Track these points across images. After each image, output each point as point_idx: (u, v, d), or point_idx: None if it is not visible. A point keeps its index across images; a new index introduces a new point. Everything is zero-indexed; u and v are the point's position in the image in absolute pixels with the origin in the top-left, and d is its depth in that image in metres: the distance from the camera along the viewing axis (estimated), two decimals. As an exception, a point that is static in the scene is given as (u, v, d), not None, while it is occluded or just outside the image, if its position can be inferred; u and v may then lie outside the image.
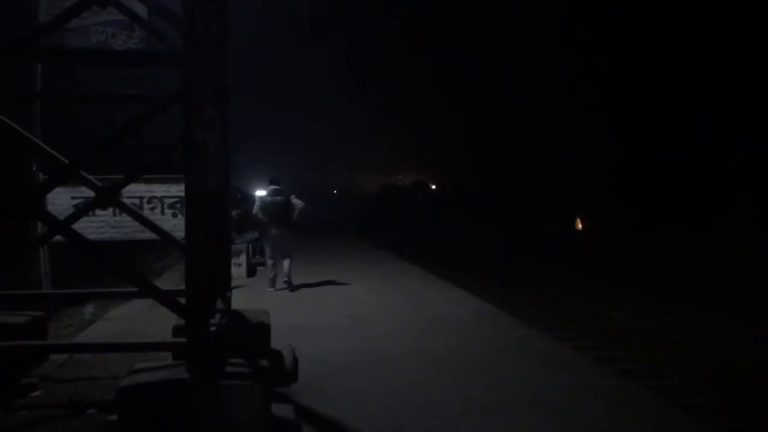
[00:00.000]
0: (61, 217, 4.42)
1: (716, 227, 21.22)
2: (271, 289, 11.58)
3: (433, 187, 75.74)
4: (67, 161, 4.18)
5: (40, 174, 5.97)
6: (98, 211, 5.98)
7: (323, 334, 7.82)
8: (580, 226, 31.99)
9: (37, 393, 5.25)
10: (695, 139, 25.77)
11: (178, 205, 6.51)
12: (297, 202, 11.74)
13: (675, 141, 26.92)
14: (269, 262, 12.00)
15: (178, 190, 6.45)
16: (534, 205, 36.85)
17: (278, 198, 11.66)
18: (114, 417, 4.06)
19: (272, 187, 11.83)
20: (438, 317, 8.95)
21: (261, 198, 12.05)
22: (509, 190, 43.35)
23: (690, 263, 17.26)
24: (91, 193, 4.37)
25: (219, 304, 4.75)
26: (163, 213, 6.56)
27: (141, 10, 4.83)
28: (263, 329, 5.10)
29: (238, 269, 11.93)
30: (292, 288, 11.58)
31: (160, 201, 6.56)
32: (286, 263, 11.69)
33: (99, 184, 4.37)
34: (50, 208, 5.82)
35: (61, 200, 6.08)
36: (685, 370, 7.94)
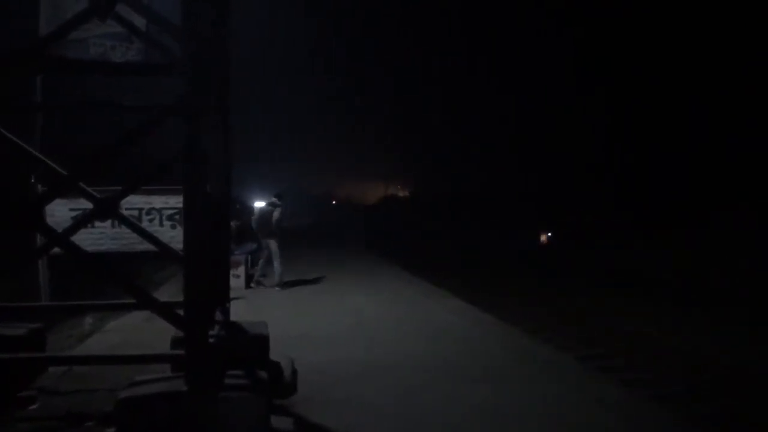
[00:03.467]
0: (60, 229, 4.42)
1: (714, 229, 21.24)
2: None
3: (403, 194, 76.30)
4: (65, 173, 4.19)
5: (39, 185, 5.97)
6: (97, 223, 5.99)
7: (322, 344, 7.80)
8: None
9: (35, 405, 5.22)
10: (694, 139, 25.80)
11: (177, 217, 6.51)
12: (276, 215, 13.27)
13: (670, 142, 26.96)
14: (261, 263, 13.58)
15: (176, 201, 6.46)
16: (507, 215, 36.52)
17: (267, 208, 13.48)
18: (113, 430, 4.04)
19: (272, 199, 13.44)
20: (438, 327, 8.93)
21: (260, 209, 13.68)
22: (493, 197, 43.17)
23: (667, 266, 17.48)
24: (89, 205, 4.37)
25: (218, 316, 4.74)
26: (161, 224, 6.56)
27: (140, 22, 4.86)
28: (262, 341, 5.09)
29: (236, 281, 11.93)
30: (256, 284, 13.38)
31: (158, 212, 6.56)
32: (260, 263, 13.55)
33: (98, 195, 4.37)
34: (49, 219, 5.83)
35: (59, 212, 6.08)
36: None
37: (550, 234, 31.24)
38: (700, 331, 10.38)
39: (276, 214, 13.22)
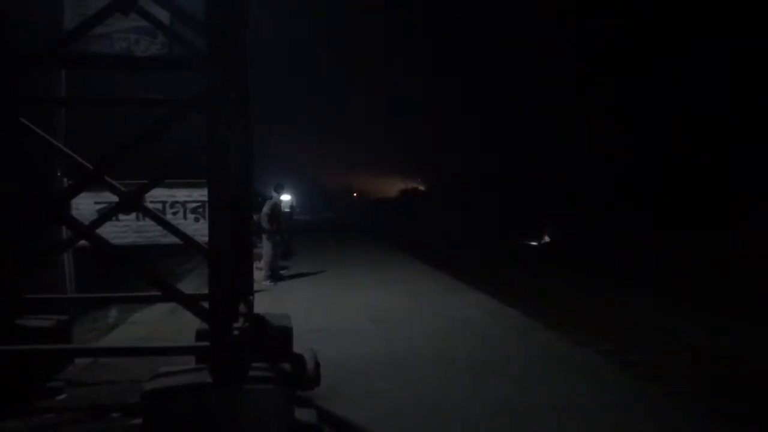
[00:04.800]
0: (85, 222, 4.46)
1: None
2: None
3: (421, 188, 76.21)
4: (91, 166, 4.22)
5: (65, 179, 6.02)
6: (121, 216, 6.02)
7: (345, 337, 7.82)
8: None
9: (62, 396, 5.30)
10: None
11: (201, 210, 6.54)
12: (286, 210, 14.23)
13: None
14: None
15: (200, 194, 6.48)
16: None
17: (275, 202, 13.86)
18: (138, 420, 4.08)
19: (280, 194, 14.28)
20: (458, 320, 8.92)
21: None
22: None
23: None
24: (113, 198, 4.40)
25: (241, 308, 4.76)
26: (185, 217, 6.59)
27: (163, 15, 4.87)
28: (285, 333, 5.10)
29: (259, 273, 12.01)
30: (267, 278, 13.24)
31: (182, 205, 6.58)
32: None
33: (123, 189, 4.40)
34: (74, 213, 5.88)
35: (84, 205, 6.12)
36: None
37: (557, 228, 30.88)
38: (723, 329, 10.19)
39: (286, 210, 13.92)
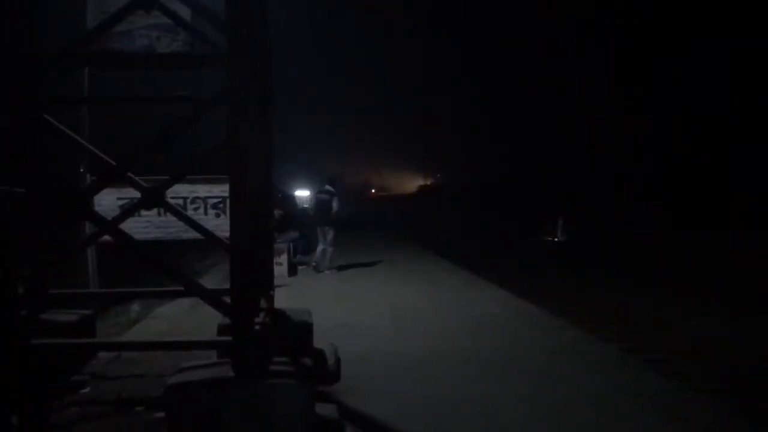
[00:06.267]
0: (108, 218, 4.50)
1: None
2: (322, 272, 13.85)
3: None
4: (114, 163, 4.26)
5: (88, 175, 6.09)
6: (143, 212, 6.07)
7: (362, 334, 7.83)
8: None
9: (86, 390, 5.35)
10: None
11: (221, 205, 6.58)
12: (335, 205, 13.89)
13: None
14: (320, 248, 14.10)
15: (221, 190, 6.53)
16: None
17: (324, 196, 14.06)
18: (161, 414, 4.11)
19: (326, 186, 14.23)
20: (480, 318, 8.90)
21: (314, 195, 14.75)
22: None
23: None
24: (135, 194, 4.43)
25: (262, 303, 4.78)
26: (206, 213, 6.64)
27: (185, 12, 4.88)
28: (306, 328, 5.12)
29: (279, 268, 12.06)
30: (331, 269, 13.93)
31: (203, 201, 6.63)
32: (327, 250, 13.93)
33: (144, 185, 4.43)
34: (96, 209, 5.93)
35: (107, 201, 6.19)
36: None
37: (573, 225, 30.54)
38: (752, 327, 10.07)
39: (335, 203, 13.87)
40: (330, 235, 13.93)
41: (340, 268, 14.33)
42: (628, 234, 24.53)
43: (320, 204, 14.16)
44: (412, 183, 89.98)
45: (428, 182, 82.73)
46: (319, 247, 14.14)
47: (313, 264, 14.20)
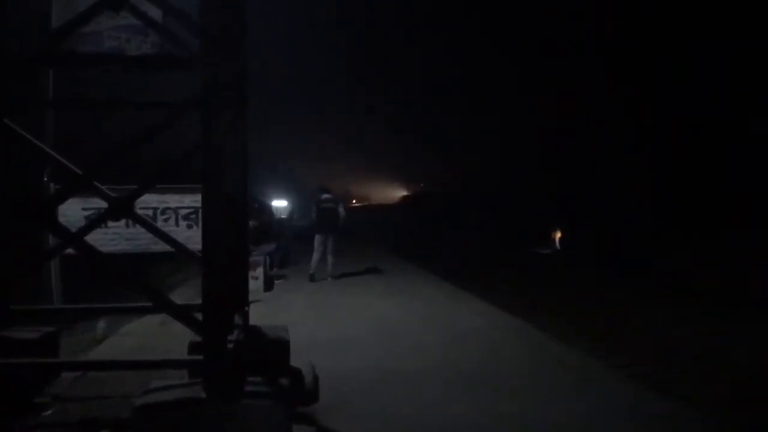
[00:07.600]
0: (73, 229, 4.27)
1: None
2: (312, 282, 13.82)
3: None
4: (80, 171, 4.04)
5: (51, 184, 5.83)
6: (111, 223, 5.83)
7: (343, 349, 7.61)
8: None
9: (49, 412, 5.08)
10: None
11: (193, 216, 6.36)
12: (341, 211, 14.24)
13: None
14: (315, 257, 14.10)
15: (192, 200, 6.31)
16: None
17: (329, 204, 14.19)
18: (128, 438, 3.89)
19: (325, 195, 14.26)
20: (464, 332, 8.73)
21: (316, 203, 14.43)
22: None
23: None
24: (102, 204, 4.23)
25: (236, 320, 4.57)
26: (177, 224, 6.41)
27: (156, 14, 4.70)
28: (283, 346, 4.91)
29: (255, 282, 11.79)
30: (335, 276, 14.11)
31: (174, 212, 6.41)
32: (330, 258, 14.08)
33: (112, 194, 4.21)
34: (61, 219, 5.68)
35: (71, 212, 5.94)
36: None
37: (563, 235, 30.55)
38: (751, 339, 9.97)
39: (341, 209, 14.27)
40: (331, 242, 14.14)
41: (316, 280, 14.13)
42: (627, 238, 24.48)
43: (328, 213, 14.17)
44: (394, 193, 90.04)
45: (409, 192, 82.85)
46: (315, 256, 14.16)
47: (311, 272, 14.06)
